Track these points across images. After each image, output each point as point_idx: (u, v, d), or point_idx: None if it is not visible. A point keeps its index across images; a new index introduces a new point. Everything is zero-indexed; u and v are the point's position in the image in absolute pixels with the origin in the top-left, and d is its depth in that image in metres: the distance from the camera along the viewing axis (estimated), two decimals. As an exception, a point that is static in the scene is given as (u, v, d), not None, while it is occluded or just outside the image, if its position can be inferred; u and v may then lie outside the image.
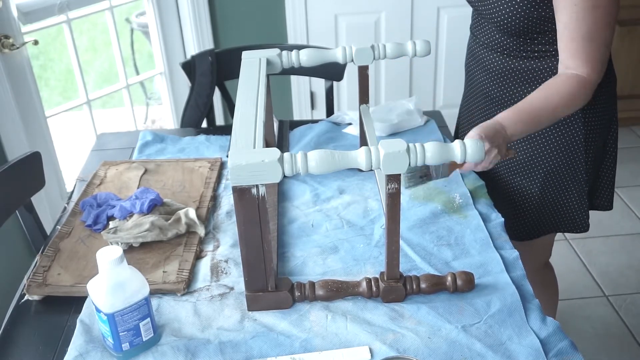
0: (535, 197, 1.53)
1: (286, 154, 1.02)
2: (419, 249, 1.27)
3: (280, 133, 1.74)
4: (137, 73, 3.70)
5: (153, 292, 1.16)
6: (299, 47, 1.53)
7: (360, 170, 1.29)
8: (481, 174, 1.51)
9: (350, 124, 1.79)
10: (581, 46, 1.27)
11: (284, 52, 1.44)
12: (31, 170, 1.47)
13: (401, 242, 1.25)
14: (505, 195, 1.56)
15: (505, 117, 1.28)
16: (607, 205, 1.63)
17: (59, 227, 1.38)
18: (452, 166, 1.31)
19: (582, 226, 1.58)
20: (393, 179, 1.03)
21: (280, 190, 1.49)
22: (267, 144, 1.43)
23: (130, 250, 1.29)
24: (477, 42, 1.53)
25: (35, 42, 2.21)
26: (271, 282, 1.12)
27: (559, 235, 2.62)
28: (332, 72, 2.06)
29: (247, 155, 1.00)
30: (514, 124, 1.27)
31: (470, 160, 1.04)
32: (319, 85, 2.97)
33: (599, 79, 1.31)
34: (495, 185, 1.56)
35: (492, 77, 1.50)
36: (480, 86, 1.55)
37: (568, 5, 1.25)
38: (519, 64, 1.43)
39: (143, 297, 1.03)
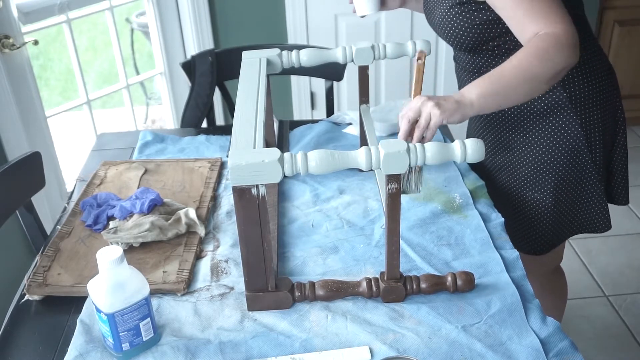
0: (550, 207, 1.48)
1: (286, 154, 1.02)
2: (419, 249, 1.27)
3: (280, 133, 1.74)
4: (137, 73, 3.69)
5: (153, 292, 1.16)
6: (299, 47, 1.53)
7: (360, 170, 1.29)
8: (492, 192, 1.49)
9: (350, 124, 1.79)
10: (530, 7, 1.22)
11: (284, 52, 1.43)
12: (31, 170, 1.47)
13: (401, 242, 1.25)
14: (519, 211, 1.51)
15: (472, 85, 1.21)
16: (622, 200, 1.56)
17: (59, 227, 1.38)
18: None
19: (603, 225, 1.52)
20: (393, 179, 1.03)
21: (280, 190, 1.49)
22: (267, 144, 1.43)
23: (130, 250, 1.29)
24: (459, 67, 1.52)
25: (35, 42, 2.21)
26: (271, 282, 1.12)
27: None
28: (332, 72, 2.06)
29: (247, 155, 1.00)
30: (481, 91, 1.20)
31: (471, 161, 1.04)
32: (319, 85, 2.97)
33: (570, 32, 1.21)
34: (508, 202, 1.52)
35: None
36: None
37: None
38: None
39: (143, 297, 1.03)
